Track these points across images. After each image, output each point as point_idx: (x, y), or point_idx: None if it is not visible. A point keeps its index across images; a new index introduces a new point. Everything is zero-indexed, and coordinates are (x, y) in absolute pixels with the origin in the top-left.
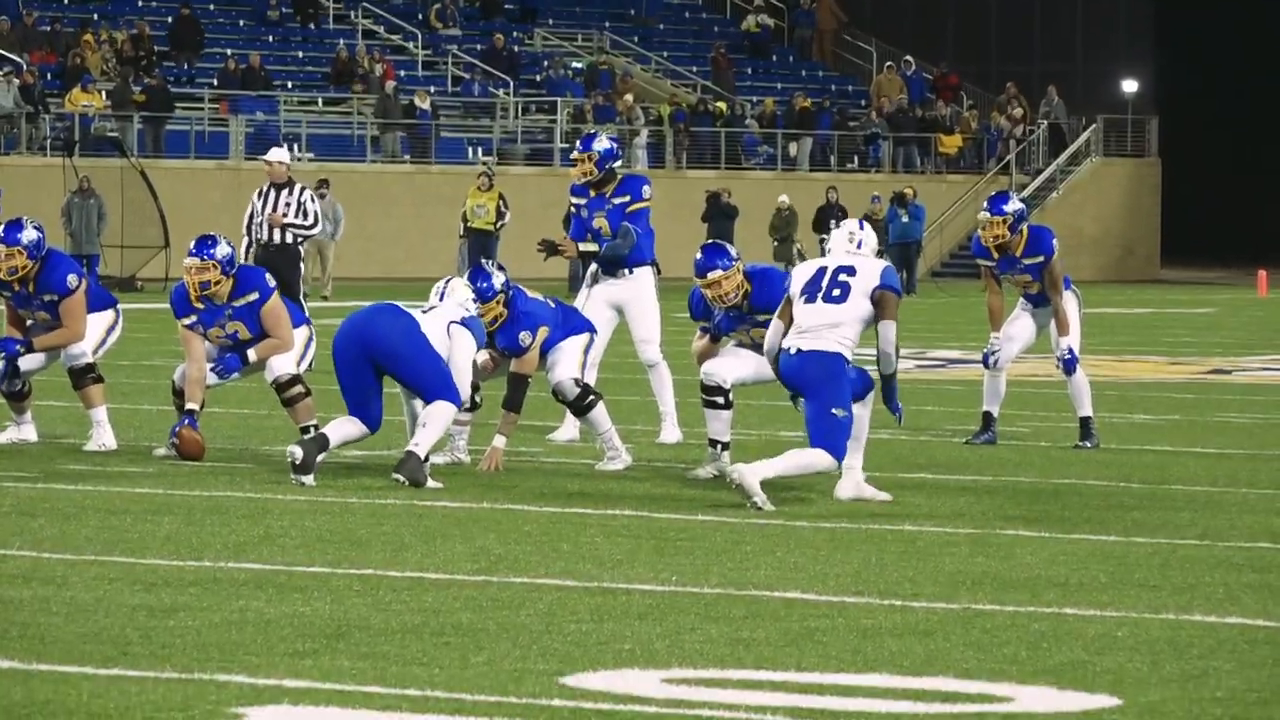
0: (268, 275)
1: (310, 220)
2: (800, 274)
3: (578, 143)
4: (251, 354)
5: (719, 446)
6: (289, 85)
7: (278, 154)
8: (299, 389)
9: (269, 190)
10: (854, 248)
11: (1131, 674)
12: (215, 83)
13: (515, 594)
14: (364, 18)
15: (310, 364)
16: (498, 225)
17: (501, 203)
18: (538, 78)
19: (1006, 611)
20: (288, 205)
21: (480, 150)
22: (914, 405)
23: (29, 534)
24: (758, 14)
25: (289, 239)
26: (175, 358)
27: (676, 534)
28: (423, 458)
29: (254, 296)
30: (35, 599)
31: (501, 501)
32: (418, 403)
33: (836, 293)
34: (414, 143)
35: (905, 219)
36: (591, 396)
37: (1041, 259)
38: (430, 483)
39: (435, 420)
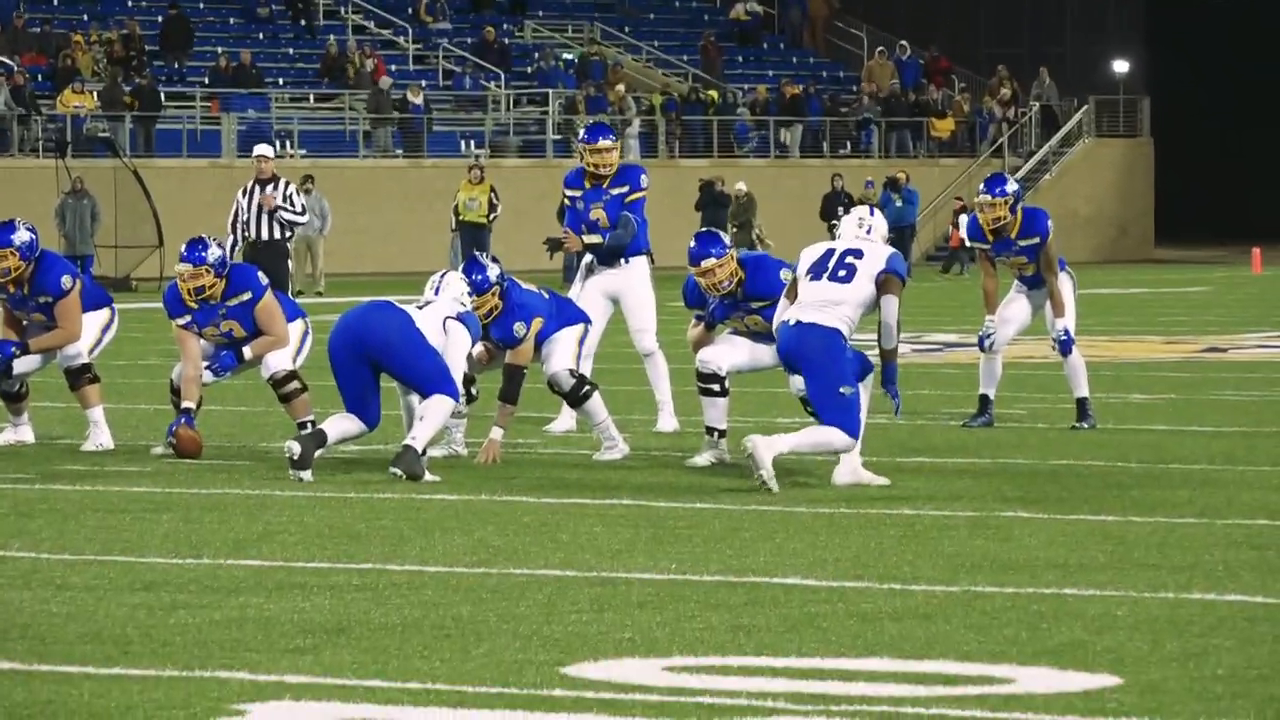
0: (260, 273)
1: (298, 209)
2: (808, 255)
3: (586, 133)
4: (247, 351)
5: (716, 434)
6: (280, 82)
7: (264, 149)
8: (295, 384)
9: (253, 187)
10: (864, 234)
11: (1132, 653)
12: (206, 81)
13: (515, 585)
14: (354, 13)
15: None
16: (490, 218)
17: (493, 195)
18: (529, 70)
19: (1006, 593)
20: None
21: (473, 143)
22: (910, 389)
23: (27, 535)
24: (746, 2)
25: (276, 235)
26: (171, 357)
27: (675, 522)
28: (420, 451)
29: (247, 296)
30: (35, 600)
31: (499, 493)
32: (414, 397)
33: (842, 273)
34: (406, 137)
35: (899, 204)
36: (587, 387)
37: (1037, 240)
38: (428, 476)
39: (432, 414)
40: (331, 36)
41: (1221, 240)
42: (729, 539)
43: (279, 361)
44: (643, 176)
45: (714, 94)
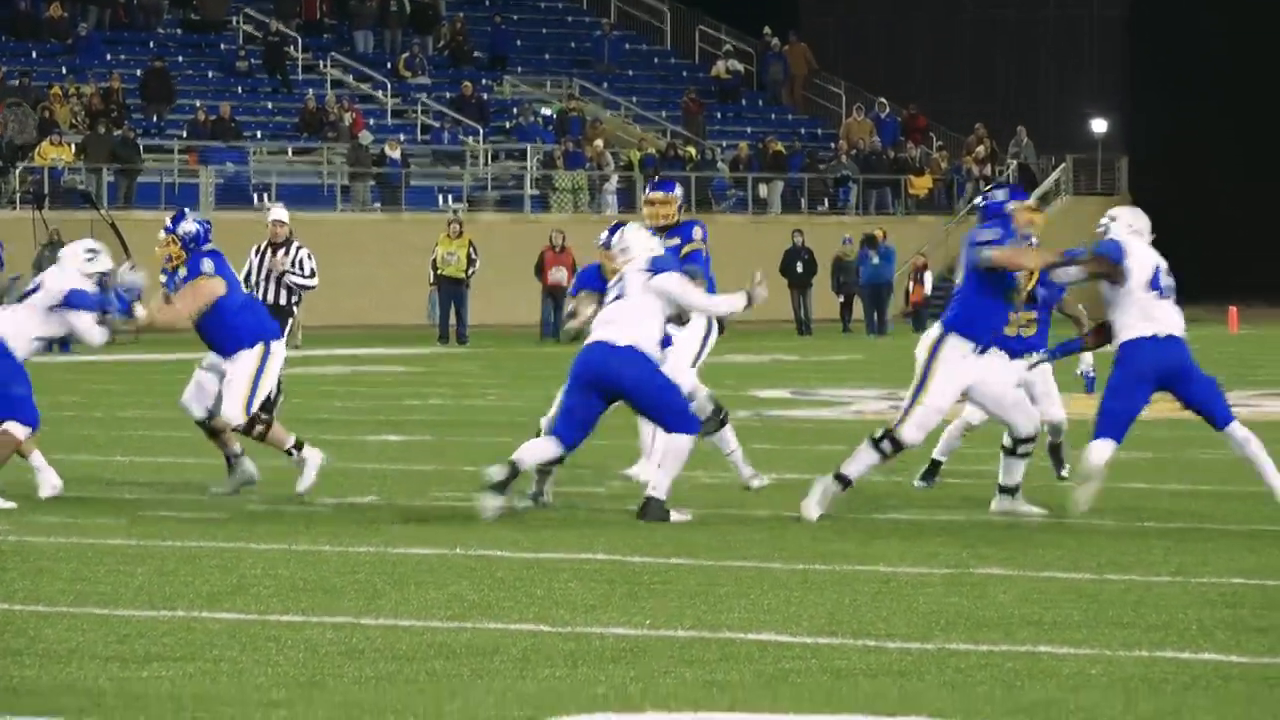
0: (207, 261)
1: (307, 273)
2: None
3: (650, 188)
4: (139, 309)
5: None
6: (258, 136)
7: (279, 213)
8: (259, 428)
9: (266, 248)
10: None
11: (1105, 712)
12: (185, 134)
13: (489, 640)
14: (332, 67)
15: (273, 395)
16: (468, 272)
17: (472, 250)
18: (507, 125)
19: (980, 651)
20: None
21: (450, 198)
22: None
23: (1, 586)
24: (727, 59)
25: (283, 300)
26: (149, 409)
27: (649, 577)
28: (662, 499)
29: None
30: (8, 651)
31: (474, 548)
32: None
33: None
34: (384, 191)
35: (876, 261)
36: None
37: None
38: (675, 515)
39: (672, 458)
40: (310, 90)
41: (1198, 299)
42: (703, 594)
43: (232, 415)
44: (695, 229)
45: (692, 150)
